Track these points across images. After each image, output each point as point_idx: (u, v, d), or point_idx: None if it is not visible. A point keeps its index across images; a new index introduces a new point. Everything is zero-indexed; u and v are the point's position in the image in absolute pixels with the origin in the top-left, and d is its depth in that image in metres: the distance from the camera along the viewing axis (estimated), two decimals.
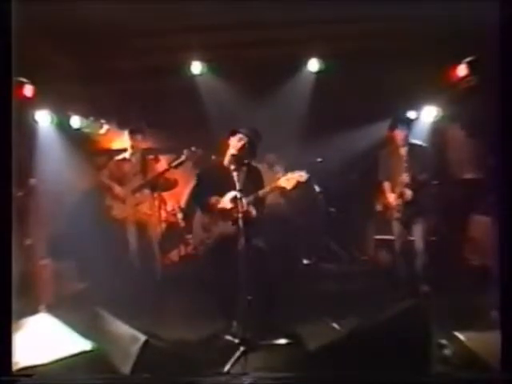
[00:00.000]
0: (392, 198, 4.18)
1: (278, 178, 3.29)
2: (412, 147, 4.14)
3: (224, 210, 3.32)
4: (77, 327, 3.00)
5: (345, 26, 4.64)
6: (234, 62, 5.10)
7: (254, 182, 3.40)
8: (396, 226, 4.27)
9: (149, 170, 4.69)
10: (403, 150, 4.10)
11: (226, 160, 3.43)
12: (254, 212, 3.27)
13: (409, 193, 4.01)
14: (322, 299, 4.17)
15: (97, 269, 4.80)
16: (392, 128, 4.24)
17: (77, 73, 5.20)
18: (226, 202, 3.31)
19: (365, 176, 5.65)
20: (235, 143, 3.39)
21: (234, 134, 3.42)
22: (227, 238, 3.28)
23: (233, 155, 3.33)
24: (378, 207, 5.71)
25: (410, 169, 4.01)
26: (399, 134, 4.17)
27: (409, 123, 4.34)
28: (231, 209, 3.25)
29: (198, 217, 3.55)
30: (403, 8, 3.93)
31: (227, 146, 3.46)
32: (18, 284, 2.88)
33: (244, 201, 3.09)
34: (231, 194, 3.26)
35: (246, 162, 3.46)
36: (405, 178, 4.00)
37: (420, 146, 4.26)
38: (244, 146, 3.37)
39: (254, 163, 3.58)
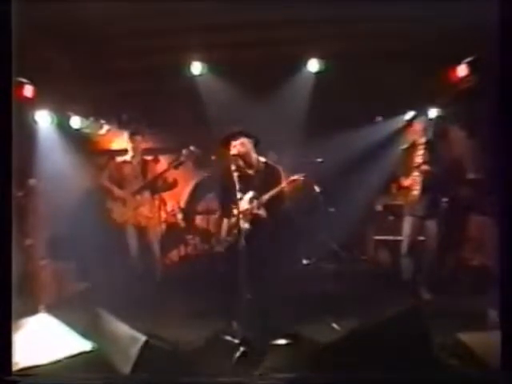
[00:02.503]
0: (409, 183, 4.16)
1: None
2: (426, 143, 4.16)
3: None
4: (77, 327, 3.00)
5: (345, 26, 4.63)
6: (233, 62, 5.09)
7: (271, 182, 3.42)
8: (408, 223, 4.25)
9: (149, 171, 4.69)
10: (421, 143, 4.11)
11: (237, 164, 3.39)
12: (263, 214, 3.34)
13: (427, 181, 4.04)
14: (321, 299, 4.16)
15: (97, 269, 4.80)
16: (411, 121, 4.29)
17: (77, 73, 5.19)
18: (244, 202, 3.35)
19: (365, 175, 5.67)
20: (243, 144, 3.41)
21: (237, 136, 3.42)
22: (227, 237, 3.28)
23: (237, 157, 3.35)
24: (379, 207, 5.74)
25: (428, 161, 4.04)
26: (418, 126, 4.20)
27: (427, 116, 4.43)
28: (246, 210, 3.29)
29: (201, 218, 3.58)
30: (403, 8, 3.93)
31: (228, 148, 3.46)
32: (17, 284, 2.87)
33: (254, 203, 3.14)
34: (249, 194, 3.32)
35: (264, 161, 3.48)
36: (425, 167, 4.03)
37: (431, 142, 4.29)
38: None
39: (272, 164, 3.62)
